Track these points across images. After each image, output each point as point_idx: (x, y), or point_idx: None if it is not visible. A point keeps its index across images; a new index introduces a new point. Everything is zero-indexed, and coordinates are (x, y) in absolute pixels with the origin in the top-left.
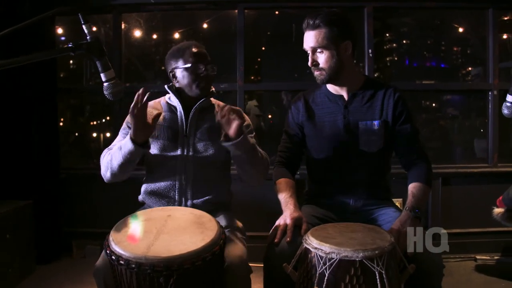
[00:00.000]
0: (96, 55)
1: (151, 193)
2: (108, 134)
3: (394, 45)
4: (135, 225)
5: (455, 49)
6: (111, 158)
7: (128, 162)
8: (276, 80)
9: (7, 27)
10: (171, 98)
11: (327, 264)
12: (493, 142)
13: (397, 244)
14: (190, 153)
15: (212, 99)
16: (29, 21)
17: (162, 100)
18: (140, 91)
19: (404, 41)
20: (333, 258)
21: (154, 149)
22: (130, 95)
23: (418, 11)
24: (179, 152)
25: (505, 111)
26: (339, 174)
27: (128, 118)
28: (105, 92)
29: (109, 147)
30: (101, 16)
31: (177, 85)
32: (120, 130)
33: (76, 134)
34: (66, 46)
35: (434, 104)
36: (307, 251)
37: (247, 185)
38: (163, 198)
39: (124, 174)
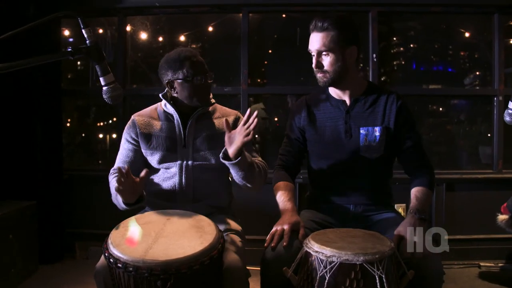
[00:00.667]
0: (96, 59)
1: (151, 197)
2: (114, 135)
3: (402, 49)
4: (134, 228)
5: (462, 53)
6: (115, 197)
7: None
8: (280, 84)
9: (12, 30)
10: (167, 106)
11: (328, 267)
12: (498, 148)
13: (399, 249)
14: (189, 162)
15: (214, 101)
16: (31, 24)
17: (159, 107)
18: (123, 170)
19: (412, 45)
20: (334, 262)
21: (153, 161)
22: (137, 97)
23: (423, 16)
24: (178, 162)
25: (507, 118)
26: (339, 180)
27: (125, 134)
28: (104, 96)
29: (114, 167)
30: (108, 18)
31: (174, 94)
32: (121, 145)
33: (83, 135)
34: (65, 50)
35: (441, 109)
36: (307, 254)
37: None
38: (163, 201)
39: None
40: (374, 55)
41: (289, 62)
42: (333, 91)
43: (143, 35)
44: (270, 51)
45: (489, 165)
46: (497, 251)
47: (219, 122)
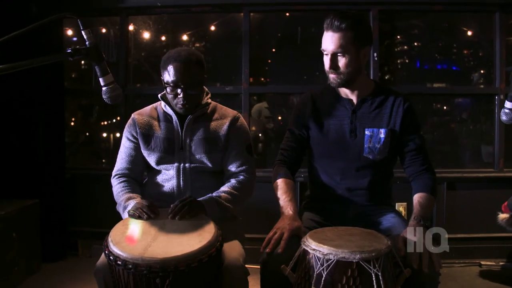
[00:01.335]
0: (95, 60)
1: (151, 197)
2: (117, 134)
3: (405, 47)
4: (134, 227)
5: (465, 52)
6: (119, 206)
7: None
8: (282, 83)
9: (14, 31)
10: (166, 107)
11: (325, 265)
12: (499, 147)
13: (396, 247)
14: (187, 165)
15: (211, 102)
16: (33, 25)
17: (159, 106)
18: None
19: (415, 43)
20: (331, 259)
21: (151, 161)
22: (141, 96)
23: (426, 14)
24: (175, 164)
25: (504, 118)
26: (340, 179)
27: (126, 132)
28: (103, 96)
29: (117, 170)
30: (110, 18)
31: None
32: (122, 144)
33: (86, 134)
34: (65, 51)
35: (445, 107)
36: (305, 252)
37: None
38: (163, 201)
39: None
40: (375, 54)
41: (292, 61)
42: (341, 89)
43: (146, 35)
44: (273, 50)
45: (490, 164)
46: (498, 249)
47: (216, 124)
